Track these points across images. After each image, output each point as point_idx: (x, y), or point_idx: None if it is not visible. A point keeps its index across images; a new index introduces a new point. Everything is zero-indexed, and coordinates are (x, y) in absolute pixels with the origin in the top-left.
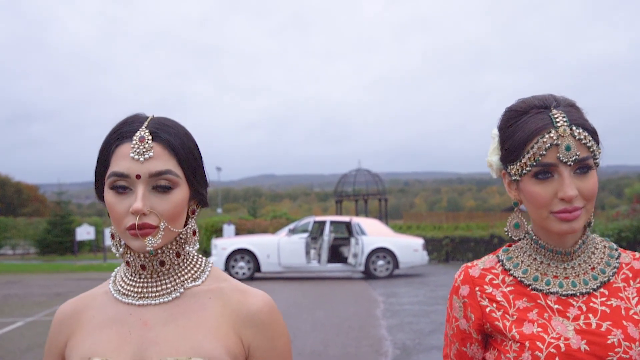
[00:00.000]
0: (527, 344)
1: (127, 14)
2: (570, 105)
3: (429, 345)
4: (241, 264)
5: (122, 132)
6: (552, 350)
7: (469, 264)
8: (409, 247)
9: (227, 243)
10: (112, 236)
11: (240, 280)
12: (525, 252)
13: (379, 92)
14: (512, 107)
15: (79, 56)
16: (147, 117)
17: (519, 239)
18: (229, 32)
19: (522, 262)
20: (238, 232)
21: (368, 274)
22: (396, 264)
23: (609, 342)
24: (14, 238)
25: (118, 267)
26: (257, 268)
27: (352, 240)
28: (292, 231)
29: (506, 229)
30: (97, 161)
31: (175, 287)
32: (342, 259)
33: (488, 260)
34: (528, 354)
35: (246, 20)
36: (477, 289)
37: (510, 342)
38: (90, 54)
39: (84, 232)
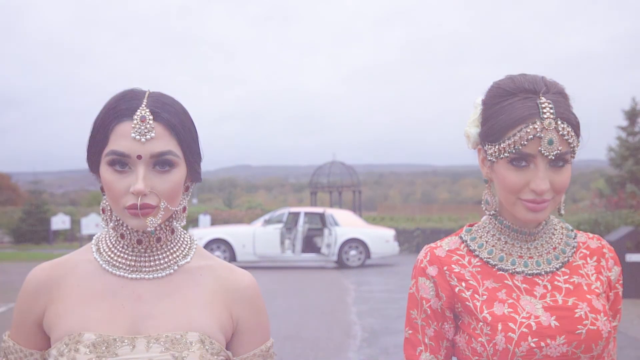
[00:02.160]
0: (499, 326)
1: (104, 1)
2: (559, 93)
3: (396, 329)
4: (217, 253)
5: (122, 110)
6: (524, 329)
7: (433, 244)
8: (380, 238)
9: (203, 233)
10: (103, 210)
11: None
12: (489, 231)
13: (357, 84)
14: (501, 85)
15: (54, 43)
16: (145, 93)
17: (492, 214)
18: (208, 22)
19: (486, 242)
20: (214, 223)
21: (341, 264)
22: (368, 254)
23: (576, 315)
24: None
25: (99, 235)
26: (233, 257)
27: (326, 231)
28: (267, 222)
29: (483, 206)
30: (93, 137)
31: (169, 264)
32: (316, 249)
33: (452, 241)
34: (501, 335)
35: (225, 9)
36: (445, 268)
37: (481, 324)
38: (65, 41)
39: (59, 222)
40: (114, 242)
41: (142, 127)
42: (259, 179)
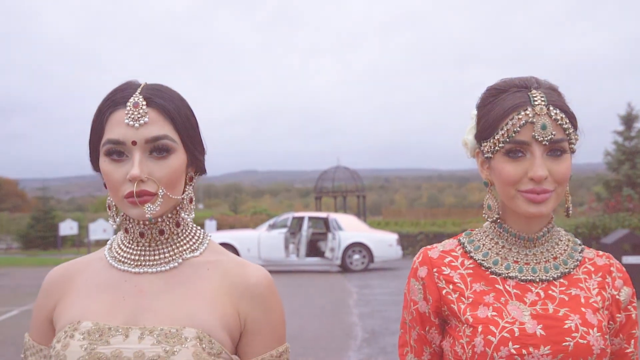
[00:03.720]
0: (479, 328)
1: (112, 8)
2: (552, 89)
3: (395, 329)
4: None
5: (115, 99)
6: (506, 334)
7: (429, 246)
8: (383, 242)
9: None
10: (109, 207)
11: None
12: (488, 235)
13: (362, 88)
14: (493, 86)
15: (63, 50)
16: (140, 84)
17: (493, 221)
18: (214, 27)
19: (483, 245)
20: (219, 228)
21: (344, 268)
22: (371, 258)
23: (565, 326)
24: None
25: (114, 236)
26: None
27: (330, 235)
28: (272, 226)
29: (484, 212)
30: (91, 130)
31: (174, 257)
32: (320, 253)
33: (448, 243)
34: (480, 338)
35: (231, 14)
36: (434, 270)
37: (463, 326)
38: (74, 48)
39: (67, 227)
40: (122, 239)
41: (135, 113)
42: (265, 184)
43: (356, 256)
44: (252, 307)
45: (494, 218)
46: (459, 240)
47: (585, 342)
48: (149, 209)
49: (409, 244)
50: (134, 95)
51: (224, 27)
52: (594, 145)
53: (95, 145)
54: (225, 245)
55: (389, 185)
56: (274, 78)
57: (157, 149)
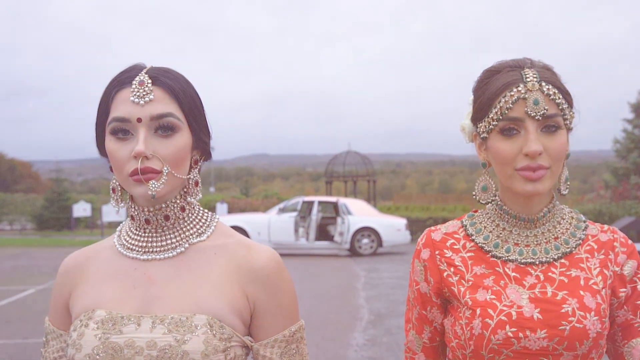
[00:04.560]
0: (478, 310)
1: None
2: (545, 68)
3: (400, 312)
4: None
5: (121, 79)
6: (503, 317)
7: (432, 227)
8: (392, 227)
9: None
10: (113, 190)
11: None
12: (490, 217)
13: (376, 72)
14: (487, 68)
15: (75, 32)
16: (146, 66)
17: (487, 203)
18: (228, 11)
19: (484, 227)
20: (230, 211)
21: (353, 252)
22: (380, 242)
23: (562, 310)
24: (12, 214)
25: (123, 222)
26: None
27: (339, 220)
28: (282, 210)
29: (474, 193)
30: (97, 112)
31: (180, 242)
32: (329, 237)
33: (452, 224)
34: (478, 320)
35: None
36: (437, 252)
37: (463, 308)
38: (87, 29)
39: (81, 209)
40: (129, 226)
41: (141, 90)
42: (276, 167)
43: (365, 240)
44: (260, 289)
45: (490, 199)
46: (462, 222)
47: (581, 326)
48: (153, 186)
49: (418, 228)
50: (140, 74)
51: (238, 11)
52: (605, 132)
53: (102, 127)
54: (236, 228)
55: (401, 170)
56: (287, 63)
57: (162, 127)
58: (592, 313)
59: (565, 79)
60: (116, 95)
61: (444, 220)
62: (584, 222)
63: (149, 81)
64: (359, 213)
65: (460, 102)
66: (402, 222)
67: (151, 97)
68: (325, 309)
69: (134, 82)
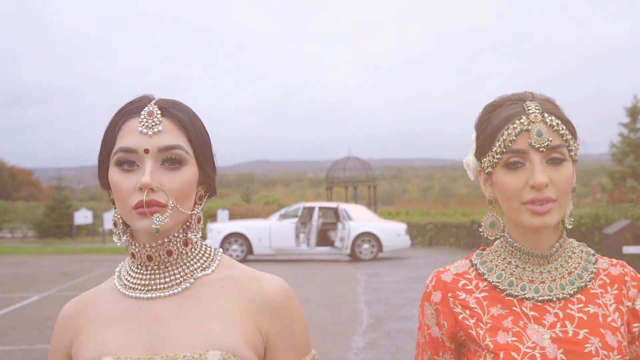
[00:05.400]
0: (501, 354)
1: None
2: (547, 100)
3: (400, 316)
4: (235, 246)
5: (129, 109)
6: None
7: (441, 269)
8: (392, 232)
9: (221, 227)
10: (115, 224)
11: None
12: (500, 255)
13: (377, 76)
14: (489, 103)
15: (78, 39)
16: (154, 97)
17: (495, 239)
18: (229, 15)
19: (496, 266)
20: (232, 217)
21: (354, 257)
22: (380, 248)
23: (586, 350)
24: (13, 222)
25: (123, 262)
26: (250, 251)
27: (339, 225)
28: (283, 216)
29: (481, 229)
30: (102, 143)
31: (185, 277)
32: (330, 243)
33: (461, 264)
34: None
35: (247, 3)
36: (449, 295)
37: (484, 352)
38: (89, 37)
39: (82, 216)
40: (129, 265)
41: (150, 121)
42: (277, 173)
43: (365, 245)
44: (272, 321)
45: (498, 235)
46: (471, 261)
47: None
48: (157, 219)
49: (418, 233)
50: (149, 105)
51: (239, 16)
52: (603, 136)
53: (105, 158)
54: (238, 234)
55: (402, 175)
56: (288, 67)
57: (170, 159)
58: (615, 352)
59: (567, 81)
60: (123, 125)
61: (444, 225)
62: (593, 255)
63: (158, 112)
64: (360, 218)
65: (459, 106)
66: (402, 227)
67: (160, 127)
68: (326, 313)
69: (143, 112)
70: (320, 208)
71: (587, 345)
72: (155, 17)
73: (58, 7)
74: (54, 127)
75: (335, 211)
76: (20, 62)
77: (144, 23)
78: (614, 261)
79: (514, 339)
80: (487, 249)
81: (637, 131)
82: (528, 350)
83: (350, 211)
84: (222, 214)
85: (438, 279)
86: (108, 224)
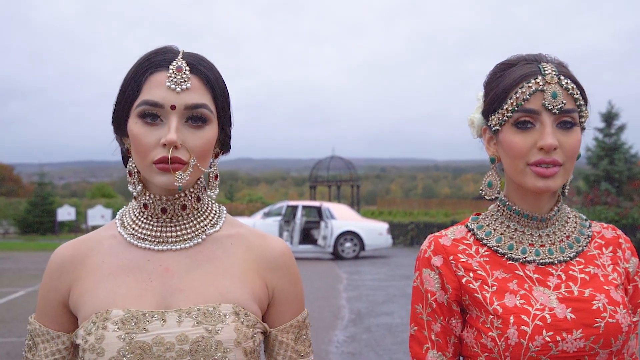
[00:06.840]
0: (511, 318)
1: None
2: (561, 64)
3: (380, 311)
4: None
5: (156, 61)
6: (539, 322)
7: (437, 234)
8: (374, 231)
9: None
10: (130, 173)
11: None
12: (497, 219)
13: (362, 76)
14: (501, 62)
15: (61, 33)
16: (179, 50)
17: (491, 199)
18: (216, 13)
19: (494, 230)
20: None
21: (336, 255)
22: (362, 246)
23: (594, 307)
24: None
25: (122, 210)
26: None
27: (322, 224)
28: (267, 214)
29: (481, 189)
30: (123, 90)
31: (197, 233)
32: (313, 241)
33: (457, 230)
34: (514, 329)
35: (233, 0)
36: (451, 258)
37: (491, 317)
38: (73, 32)
39: (65, 213)
40: (137, 214)
41: (179, 77)
42: (261, 172)
43: (348, 244)
44: (279, 277)
45: (493, 196)
46: (467, 226)
47: (614, 321)
48: (180, 177)
49: (400, 233)
50: (177, 59)
51: (225, 14)
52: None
53: (126, 107)
54: None
55: (385, 174)
56: (273, 66)
57: (194, 117)
58: (621, 306)
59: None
60: (150, 77)
61: (426, 225)
62: (586, 220)
63: (187, 68)
64: (342, 217)
65: (444, 107)
66: (384, 226)
67: (188, 85)
68: (309, 308)
69: (171, 66)
70: (304, 207)
71: (594, 302)
72: (140, 13)
73: (41, 1)
74: (35, 122)
75: (319, 210)
76: (2, 56)
77: (128, 19)
78: (605, 225)
79: (522, 301)
80: (483, 213)
81: (611, 136)
82: (538, 313)
83: (333, 210)
84: None
85: (437, 244)
86: (92, 221)
